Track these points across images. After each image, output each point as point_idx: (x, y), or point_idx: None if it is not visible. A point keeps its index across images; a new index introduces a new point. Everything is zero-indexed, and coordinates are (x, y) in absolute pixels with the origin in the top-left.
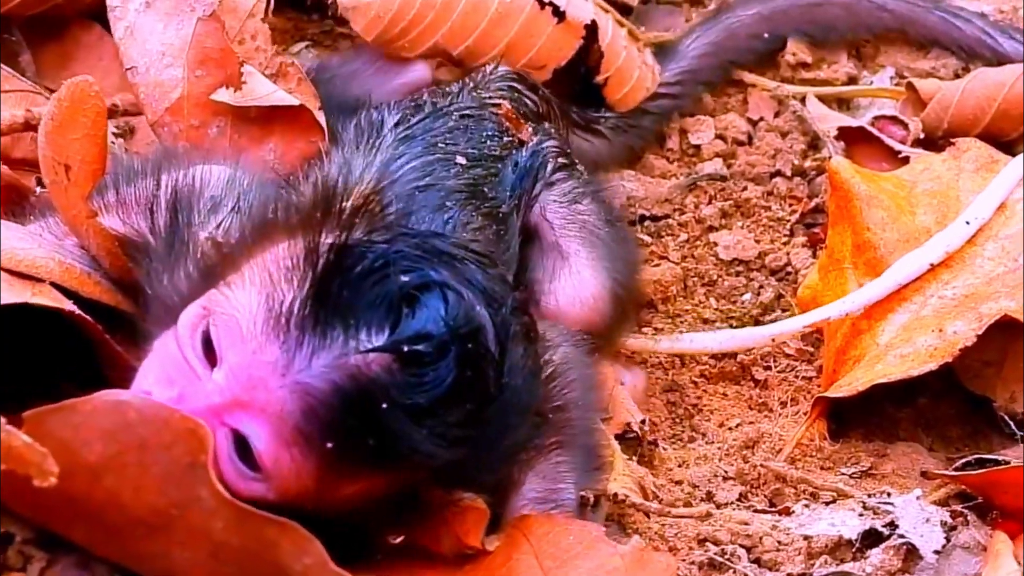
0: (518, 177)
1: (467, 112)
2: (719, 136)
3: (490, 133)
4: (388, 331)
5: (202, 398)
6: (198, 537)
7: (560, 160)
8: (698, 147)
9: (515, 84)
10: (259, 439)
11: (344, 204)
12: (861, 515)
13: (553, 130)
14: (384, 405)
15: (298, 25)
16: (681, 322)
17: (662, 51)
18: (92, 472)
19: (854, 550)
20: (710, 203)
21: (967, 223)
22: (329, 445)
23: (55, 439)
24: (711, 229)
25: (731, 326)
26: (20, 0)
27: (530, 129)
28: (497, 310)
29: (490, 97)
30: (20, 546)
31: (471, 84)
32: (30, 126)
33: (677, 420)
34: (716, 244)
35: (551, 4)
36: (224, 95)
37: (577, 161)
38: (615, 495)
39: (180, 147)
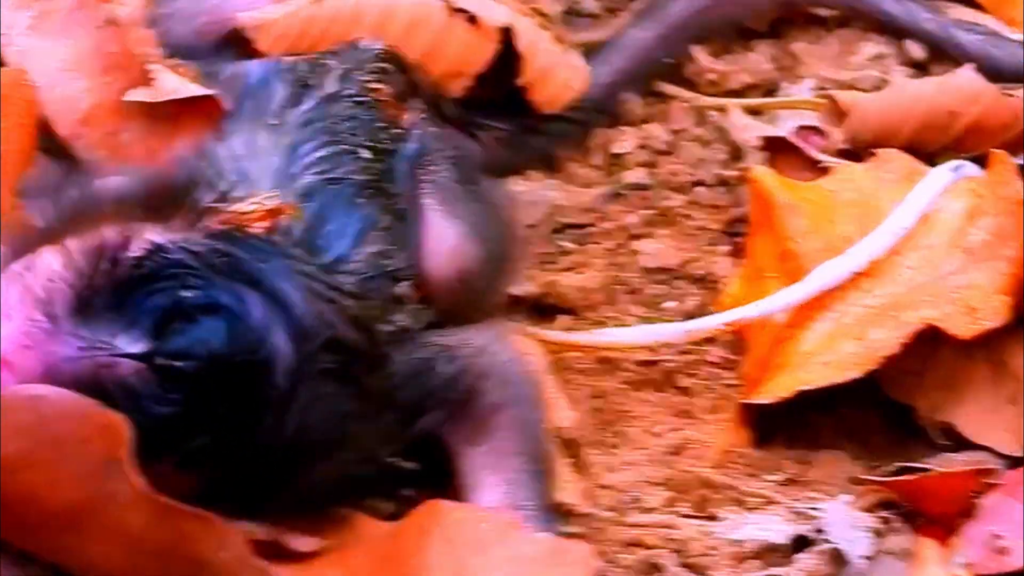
0: (408, 172)
1: (357, 99)
2: (641, 146)
3: (380, 124)
4: (146, 343)
5: None
6: (116, 532)
7: (433, 143)
8: (620, 155)
9: (386, 64)
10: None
11: (201, 200)
12: (788, 520)
13: (423, 105)
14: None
15: None
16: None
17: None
18: (8, 467)
19: (782, 555)
20: (633, 212)
21: (892, 233)
22: None
23: None
24: (634, 237)
25: None
26: None
27: (408, 114)
28: (301, 344)
29: (367, 81)
30: None
31: (344, 63)
32: None
33: (602, 426)
34: (639, 252)
35: (461, 10)
36: (139, 94)
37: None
38: (561, 504)
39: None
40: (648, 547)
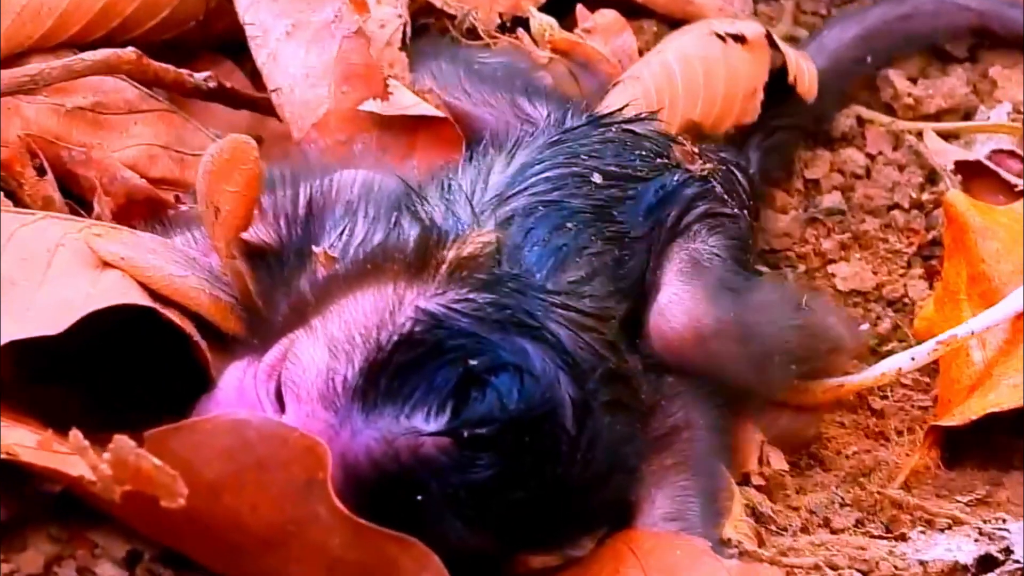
0: (659, 200)
1: (628, 128)
2: (838, 170)
3: (644, 152)
4: (447, 416)
5: None
6: (315, 554)
7: (715, 206)
8: (816, 181)
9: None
10: None
11: (444, 254)
12: (977, 540)
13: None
14: (425, 490)
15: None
16: None
17: None
18: (211, 491)
19: (971, 574)
20: (828, 236)
21: None
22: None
23: (175, 458)
24: (830, 261)
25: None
26: (152, 26)
27: (701, 162)
28: (582, 384)
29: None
30: (148, 564)
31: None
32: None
33: (794, 449)
34: (834, 275)
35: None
36: (372, 105)
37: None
38: (728, 540)
39: (321, 157)
40: (835, 568)
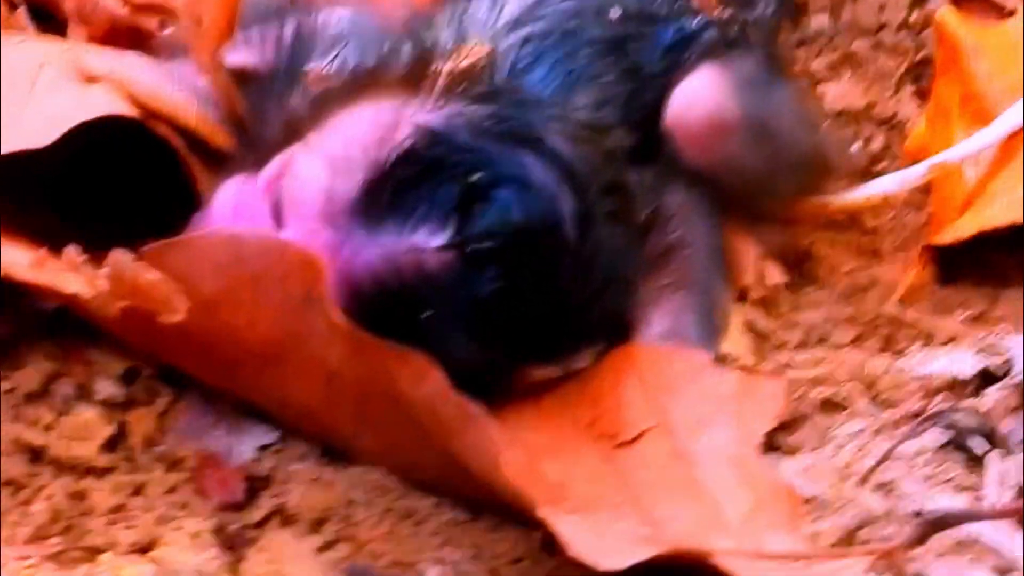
0: (676, 41)
1: None
2: None
3: None
4: (450, 231)
5: None
6: (314, 368)
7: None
8: (804, 2)
9: None
10: None
11: (444, 67)
12: (976, 355)
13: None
14: (429, 305)
15: None
16: None
17: None
18: (207, 306)
19: (970, 389)
20: (818, 55)
21: None
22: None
23: (172, 273)
24: (820, 82)
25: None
26: None
27: (724, 11)
28: (583, 195)
29: None
30: (146, 381)
31: None
32: None
33: (788, 267)
34: (824, 95)
35: None
36: None
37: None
38: (727, 355)
39: None
40: (837, 383)
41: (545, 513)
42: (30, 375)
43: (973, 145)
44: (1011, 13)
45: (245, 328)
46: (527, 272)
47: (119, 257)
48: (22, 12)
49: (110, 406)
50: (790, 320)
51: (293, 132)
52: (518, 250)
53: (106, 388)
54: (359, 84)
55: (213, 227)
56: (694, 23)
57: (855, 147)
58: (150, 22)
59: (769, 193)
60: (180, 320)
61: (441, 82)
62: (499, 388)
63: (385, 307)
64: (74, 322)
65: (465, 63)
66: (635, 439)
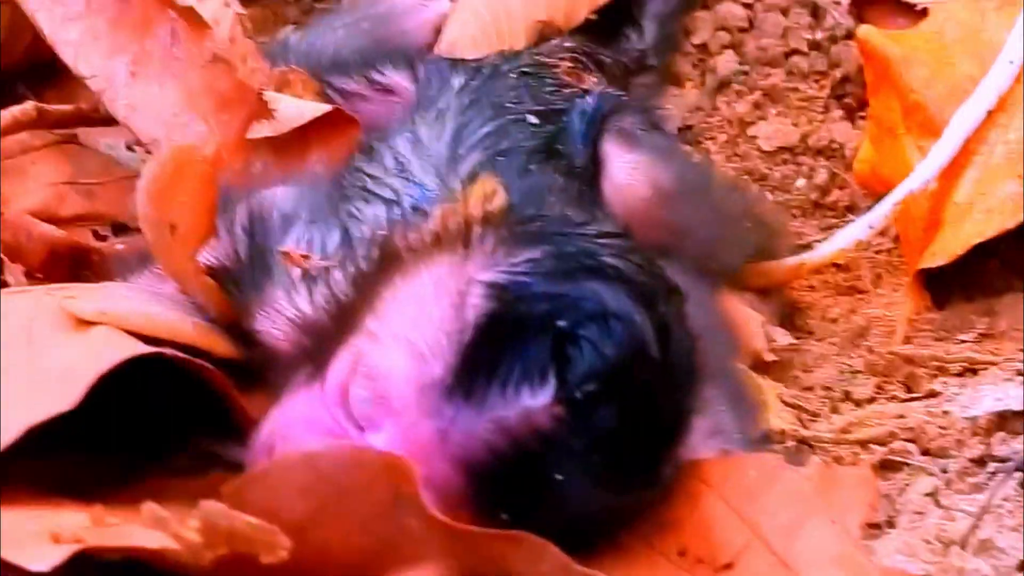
0: (586, 125)
1: (525, 70)
2: (720, 28)
3: (551, 88)
4: (553, 383)
5: None
6: (410, 570)
7: (623, 101)
8: (704, 45)
9: (577, 53)
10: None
11: (464, 219)
12: (1019, 385)
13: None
14: (552, 464)
15: (276, 12)
16: None
17: None
18: (295, 532)
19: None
20: (739, 99)
21: (1011, 62)
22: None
23: (256, 508)
24: (748, 124)
25: (792, 216)
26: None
27: (593, 79)
28: (654, 308)
29: (539, 54)
30: None
31: (532, 52)
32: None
33: (778, 324)
34: (756, 137)
35: None
36: (263, 130)
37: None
38: (782, 431)
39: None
40: (883, 441)
41: None
42: None
43: (930, 168)
44: (924, 12)
45: (336, 545)
46: (632, 401)
47: (210, 507)
48: None
49: None
50: (804, 384)
51: (343, 323)
52: (620, 383)
53: None
54: (392, 257)
55: (287, 451)
56: (591, 102)
57: (800, 183)
58: (85, 235)
59: (727, 255)
60: (285, 556)
61: (480, 233)
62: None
63: (505, 481)
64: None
65: (489, 206)
66: (733, 561)
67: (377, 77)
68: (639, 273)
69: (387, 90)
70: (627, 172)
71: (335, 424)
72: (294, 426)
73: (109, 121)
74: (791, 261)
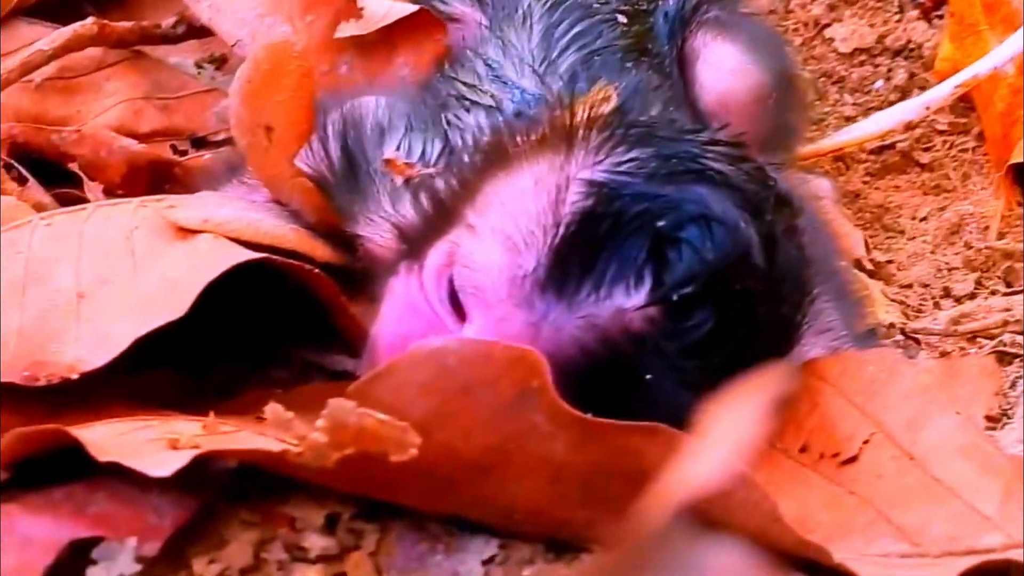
0: (670, 26)
1: None
2: None
3: None
4: (648, 284)
5: None
6: (537, 467)
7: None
8: None
9: None
10: None
11: (576, 119)
12: None
13: None
14: (644, 367)
15: None
16: (825, 125)
17: None
18: (420, 430)
19: None
20: (813, 1)
21: None
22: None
23: (380, 406)
24: (824, 26)
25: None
26: None
27: None
28: (761, 217)
29: None
30: (348, 523)
31: None
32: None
33: (866, 224)
34: (833, 39)
35: None
36: (350, 28)
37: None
38: (891, 324)
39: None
40: (992, 333)
41: (842, 558)
42: (238, 550)
43: (1001, 55)
44: None
45: (460, 442)
46: (731, 308)
47: (339, 405)
48: (33, 184)
49: (325, 559)
50: (902, 282)
51: (443, 215)
52: (719, 288)
53: (315, 542)
54: (498, 154)
55: (411, 347)
56: (672, 3)
57: (879, 84)
58: (165, 150)
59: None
60: (415, 454)
61: (589, 133)
62: None
63: (596, 381)
64: (249, 480)
65: (602, 108)
66: (856, 455)
67: (440, 7)
68: (748, 181)
69: (451, 19)
70: (723, 70)
71: (430, 311)
72: (394, 312)
73: (171, 39)
74: (852, 132)
